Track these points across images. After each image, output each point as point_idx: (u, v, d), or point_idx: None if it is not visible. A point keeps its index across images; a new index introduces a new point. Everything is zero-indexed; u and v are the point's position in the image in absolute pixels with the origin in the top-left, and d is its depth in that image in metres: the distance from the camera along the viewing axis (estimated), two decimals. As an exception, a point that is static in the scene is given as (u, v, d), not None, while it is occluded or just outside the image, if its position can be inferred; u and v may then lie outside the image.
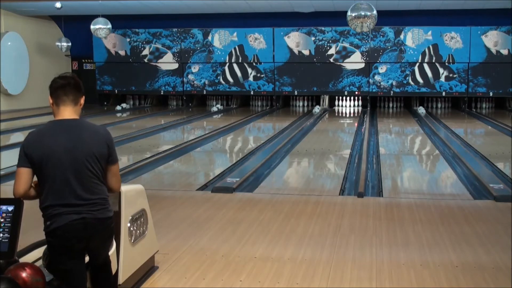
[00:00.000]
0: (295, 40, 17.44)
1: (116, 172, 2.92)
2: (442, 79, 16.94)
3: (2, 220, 2.73)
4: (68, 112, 2.81)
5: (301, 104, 18.28)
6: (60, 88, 2.79)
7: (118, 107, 18.06)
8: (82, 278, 2.83)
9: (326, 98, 17.91)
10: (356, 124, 14.38)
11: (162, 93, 18.65)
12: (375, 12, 10.13)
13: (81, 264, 2.82)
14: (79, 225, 2.72)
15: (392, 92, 17.31)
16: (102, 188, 2.84)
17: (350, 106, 17.90)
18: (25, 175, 2.77)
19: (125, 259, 3.36)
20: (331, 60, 17.32)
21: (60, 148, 2.72)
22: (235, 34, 17.73)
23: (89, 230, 2.75)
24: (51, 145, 2.72)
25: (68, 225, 2.71)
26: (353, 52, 17.21)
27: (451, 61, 16.81)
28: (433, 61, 16.88)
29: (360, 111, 17.04)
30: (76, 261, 2.78)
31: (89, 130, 2.80)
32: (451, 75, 16.90)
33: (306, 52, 17.42)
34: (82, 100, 2.86)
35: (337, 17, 14.08)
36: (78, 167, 2.73)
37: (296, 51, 17.47)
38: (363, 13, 10.05)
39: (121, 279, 3.33)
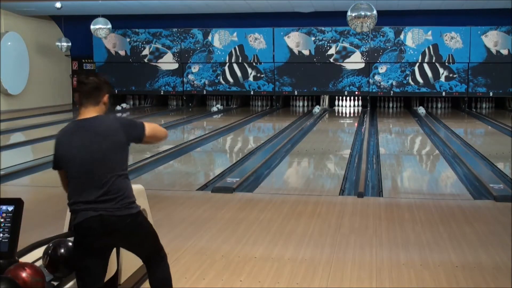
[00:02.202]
0: (295, 40, 17.45)
1: (150, 136, 2.94)
2: (442, 79, 16.95)
3: (2, 220, 2.73)
4: (88, 111, 2.85)
5: (301, 104, 18.28)
6: (79, 90, 2.85)
7: (118, 107, 18.06)
8: (97, 277, 2.80)
9: (326, 98, 17.91)
10: (356, 124, 14.38)
11: (162, 93, 18.65)
12: (375, 12, 10.13)
13: (98, 263, 2.79)
14: (96, 222, 2.71)
15: (392, 92, 17.31)
16: (123, 184, 2.80)
17: (350, 106, 17.90)
18: (61, 175, 2.88)
19: (125, 259, 3.36)
20: (331, 60, 17.32)
21: (76, 148, 2.76)
22: (235, 34, 17.73)
23: (107, 228, 2.73)
24: (68, 145, 2.78)
25: (86, 221, 2.72)
26: (353, 52, 17.21)
27: (451, 61, 16.81)
28: (433, 61, 16.89)
29: (360, 111, 17.04)
30: (93, 258, 2.77)
31: (103, 126, 2.81)
32: (451, 75, 16.90)
33: (306, 52, 17.42)
34: (105, 99, 2.88)
35: (337, 17, 14.08)
36: (94, 165, 2.75)
37: (296, 51, 17.47)
38: (363, 13, 10.05)
39: (121, 279, 3.33)
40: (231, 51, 17.78)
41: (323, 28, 17.24)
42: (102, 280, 2.84)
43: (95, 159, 2.74)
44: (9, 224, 2.72)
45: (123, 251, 3.34)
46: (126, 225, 2.77)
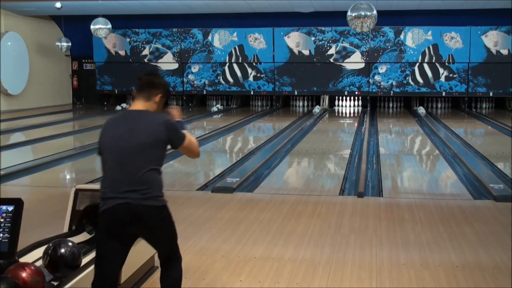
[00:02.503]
0: (295, 40, 17.45)
1: (185, 148, 3.03)
2: (442, 79, 16.94)
3: (2, 220, 2.73)
4: (138, 105, 2.95)
5: (301, 104, 18.28)
6: (137, 84, 2.99)
7: (118, 107, 18.05)
8: (114, 266, 2.84)
9: (326, 98, 17.90)
10: (356, 124, 14.38)
11: (162, 93, 18.61)
12: (375, 12, 10.13)
13: (118, 252, 2.83)
14: (123, 210, 2.75)
15: (392, 92, 17.31)
16: (154, 177, 2.86)
17: (350, 106, 17.90)
18: (103, 161, 2.92)
19: (125, 259, 3.36)
20: (331, 60, 17.32)
21: (115, 136, 2.85)
22: (235, 34, 17.73)
23: (132, 216, 2.77)
24: (110, 133, 2.89)
25: (112, 208, 2.76)
26: (353, 52, 17.21)
27: (451, 61, 16.81)
28: (433, 61, 16.88)
29: (360, 111, 17.04)
30: (114, 246, 2.80)
31: (147, 120, 2.88)
32: (451, 75, 16.90)
33: (306, 52, 17.42)
34: (157, 98, 2.97)
35: (337, 17, 14.08)
36: (130, 155, 2.81)
37: (296, 51, 17.47)
38: (363, 13, 10.05)
39: (121, 279, 3.32)
40: (231, 51, 17.78)
41: (323, 28, 17.24)
42: (118, 270, 2.88)
43: (131, 150, 2.81)
44: (9, 224, 2.72)
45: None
46: (150, 216, 2.81)
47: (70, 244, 2.98)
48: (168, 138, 2.91)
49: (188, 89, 18.29)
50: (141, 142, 2.81)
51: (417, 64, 16.99)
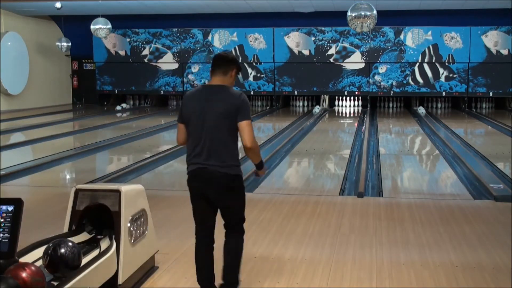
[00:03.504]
0: (295, 40, 17.45)
1: (244, 129, 3.24)
2: (442, 79, 16.95)
3: (2, 220, 2.73)
4: (216, 80, 3.31)
5: (301, 104, 18.28)
6: (214, 60, 3.35)
7: (118, 107, 18.06)
8: (204, 218, 3.42)
9: (326, 98, 17.91)
10: (356, 124, 14.38)
11: (162, 93, 18.66)
12: (375, 12, 10.13)
13: (204, 207, 3.35)
14: (202, 172, 3.24)
15: (392, 92, 17.31)
16: (230, 147, 3.26)
17: (350, 106, 17.90)
18: (181, 129, 3.37)
19: (125, 259, 3.36)
20: (331, 60, 17.32)
21: (197, 108, 3.24)
22: (235, 34, 17.73)
23: (208, 181, 3.23)
24: (192, 106, 3.28)
25: (194, 171, 3.27)
26: (353, 52, 17.21)
27: (451, 61, 16.81)
28: (433, 61, 16.89)
29: (360, 111, 17.04)
30: (200, 203, 3.34)
31: (225, 94, 3.24)
32: (451, 75, 16.90)
33: (306, 52, 17.43)
34: (233, 73, 3.34)
35: (337, 17, 14.09)
36: (209, 126, 3.21)
37: (296, 51, 17.48)
38: (363, 13, 10.06)
39: (121, 279, 3.33)
40: (231, 51, 17.77)
41: (323, 28, 17.24)
42: (209, 221, 3.43)
43: (211, 121, 3.20)
44: (9, 224, 2.72)
45: (122, 252, 3.35)
46: (222, 182, 3.23)
47: (70, 244, 2.98)
48: (237, 108, 3.20)
49: (188, 89, 18.28)
50: (219, 114, 3.19)
51: (417, 64, 16.99)
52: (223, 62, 3.32)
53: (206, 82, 3.48)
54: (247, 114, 3.24)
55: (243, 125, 3.22)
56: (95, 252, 3.25)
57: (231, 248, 3.41)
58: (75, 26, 18.08)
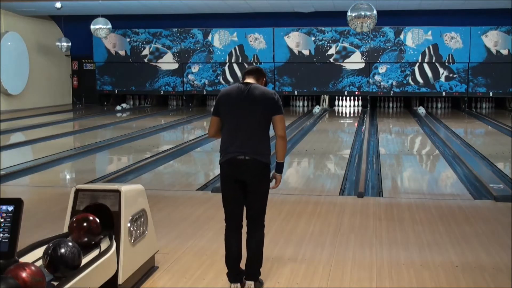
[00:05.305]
0: (295, 40, 17.45)
1: (278, 122, 3.56)
2: (442, 79, 16.95)
3: (2, 220, 2.73)
4: (251, 80, 3.63)
5: (301, 104, 18.28)
6: (247, 69, 3.71)
7: (118, 107, 18.06)
8: (235, 205, 3.59)
9: (326, 98, 17.91)
10: (356, 124, 14.38)
11: (162, 93, 18.66)
12: (375, 12, 10.13)
13: (237, 194, 3.57)
14: (237, 160, 3.50)
15: (392, 92, 17.31)
16: (263, 140, 3.53)
17: (350, 106, 17.90)
18: (215, 122, 3.65)
19: (125, 259, 3.36)
20: (331, 60, 17.33)
21: (235, 102, 3.52)
22: (235, 34, 17.74)
23: (243, 166, 3.49)
24: (230, 100, 3.55)
25: (231, 159, 3.52)
26: (353, 52, 17.21)
27: (451, 61, 16.81)
28: (433, 61, 16.89)
29: (360, 111, 17.04)
30: (232, 189, 3.56)
31: (260, 92, 3.53)
32: (451, 75, 16.90)
33: (306, 52, 17.43)
34: (263, 82, 3.68)
35: (337, 17, 14.09)
36: (245, 120, 3.50)
37: (296, 51, 17.48)
38: (363, 13, 10.05)
39: (121, 279, 3.32)
40: (231, 51, 17.78)
41: (323, 28, 17.24)
42: (240, 207, 3.61)
43: (246, 116, 3.50)
44: (9, 224, 2.72)
45: (122, 252, 3.35)
46: (256, 168, 3.51)
47: (70, 244, 2.97)
48: (273, 104, 3.51)
49: (188, 89, 18.30)
50: (254, 109, 3.49)
51: (417, 64, 17.00)
52: (256, 70, 3.71)
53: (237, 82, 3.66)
54: (281, 109, 3.58)
55: (278, 118, 3.56)
56: (95, 252, 3.25)
57: (257, 240, 3.63)
58: (75, 26, 18.09)
